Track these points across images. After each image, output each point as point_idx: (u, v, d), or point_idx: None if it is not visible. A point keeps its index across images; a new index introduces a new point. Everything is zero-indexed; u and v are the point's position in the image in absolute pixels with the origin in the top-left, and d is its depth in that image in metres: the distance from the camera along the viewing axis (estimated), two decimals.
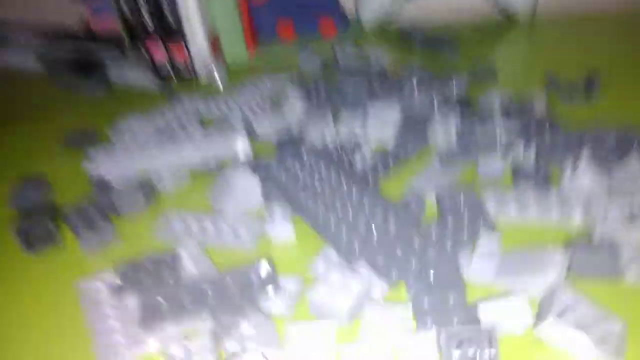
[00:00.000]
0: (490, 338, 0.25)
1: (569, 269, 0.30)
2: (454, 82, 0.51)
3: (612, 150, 0.39)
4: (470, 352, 0.25)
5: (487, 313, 0.27)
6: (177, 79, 0.67)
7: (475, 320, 0.27)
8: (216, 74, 0.65)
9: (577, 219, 0.34)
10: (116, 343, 0.29)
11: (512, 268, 0.30)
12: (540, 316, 0.27)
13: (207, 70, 0.66)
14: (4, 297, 0.35)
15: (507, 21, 0.74)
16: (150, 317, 0.30)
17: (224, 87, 0.63)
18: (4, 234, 0.40)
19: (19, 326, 0.32)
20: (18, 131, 0.59)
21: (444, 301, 0.27)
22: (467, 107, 0.48)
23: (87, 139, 0.53)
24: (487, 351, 0.25)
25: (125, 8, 0.64)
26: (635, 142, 0.39)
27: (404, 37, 0.70)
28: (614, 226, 0.32)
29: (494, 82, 0.55)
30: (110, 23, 0.73)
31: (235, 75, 0.65)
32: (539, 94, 0.49)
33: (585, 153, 0.38)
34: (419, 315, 0.27)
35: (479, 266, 0.30)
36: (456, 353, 0.25)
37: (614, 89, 0.50)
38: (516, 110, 0.46)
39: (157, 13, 0.64)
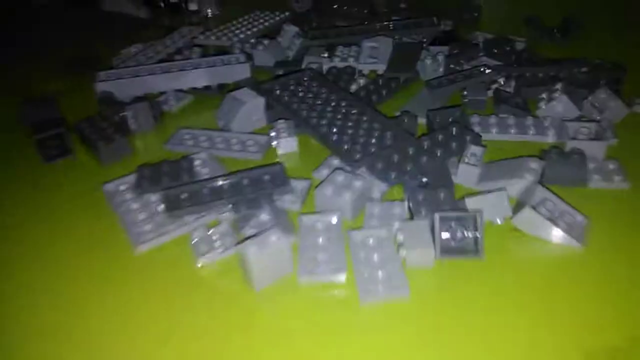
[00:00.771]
0: (475, 222, 0.29)
1: (542, 175, 0.34)
2: (442, 21, 0.54)
3: (583, 83, 0.43)
4: (459, 233, 0.29)
5: (473, 205, 0.31)
6: (172, 9, 0.68)
7: (463, 210, 0.31)
8: (209, 4, 0.66)
9: (550, 138, 0.39)
10: (146, 231, 0.33)
11: (494, 174, 0.34)
12: (517, 209, 0.31)
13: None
14: (30, 206, 0.37)
15: None
16: (173, 207, 0.33)
17: (215, 18, 0.65)
18: (22, 149, 0.43)
19: (50, 231, 0.35)
20: (19, 56, 0.60)
21: (435, 196, 0.32)
22: (454, 42, 0.51)
23: (88, 63, 0.55)
24: (472, 233, 0.29)
25: None
26: (603, 76, 0.43)
27: None
28: (582, 143, 0.37)
29: (479, 21, 0.59)
30: None
31: (228, 7, 0.67)
32: (521, 34, 0.53)
33: (560, 85, 0.42)
34: (415, 207, 0.31)
35: (465, 172, 0.34)
36: (445, 235, 0.29)
37: (588, 30, 0.54)
38: (499, 46, 0.50)
39: None
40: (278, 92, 0.43)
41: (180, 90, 0.47)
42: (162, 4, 0.67)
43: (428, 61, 0.48)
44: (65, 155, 0.41)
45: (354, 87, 0.46)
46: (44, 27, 0.66)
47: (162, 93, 0.47)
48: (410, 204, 0.32)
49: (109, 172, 0.39)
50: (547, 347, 0.25)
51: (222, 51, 0.53)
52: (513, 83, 0.45)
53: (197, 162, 0.38)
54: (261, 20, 0.59)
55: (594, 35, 0.54)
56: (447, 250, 0.30)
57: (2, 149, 0.44)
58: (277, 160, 0.39)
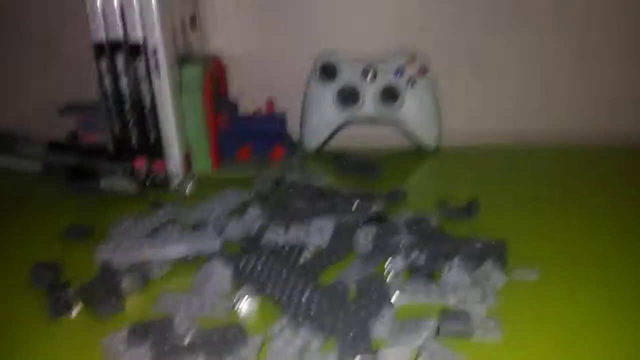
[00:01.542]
0: None
1: (438, 330, 0.46)
2: (374, 202, 0.69)
3: (476, 256, 0.57)
4: None
5: (384, 356, 0.43)
6: (155, 187, 0.82)
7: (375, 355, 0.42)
8: (187, 184, 0.81)
9: (448, 301, 0.51)
10: None
11: (402, 329, 0.46)
12: (417, 357, 0.43)
13: (179, 180, 0.82)
14: (39, 353, 0.47)
15: (418, 151, 0.96)
16: (159, 358, 0.43)
17: (191, 195, 0.79)
18: (26, 307, 0.53)
19: None
20: (20, 224, 0.72)
21: (356, 349, 0.43)
22: (382, 221, 0.65)
23: (82, 232, 0.67)
24: None
25: (115, 127, 0.81)
26: (492, 250, 0.57)
27: (337, 161, 0.89)
28: (468, 304, 0.49)
29: (403, 202, 0.74)
30: (97, 137, 0.89)
31: (201, 186, 0.81)
32: (433, 214, 0.68)
33: (457, 259, 0.56)
34: (341, 355, 0.43)
35: (380, 328, 0.46)
36: None
37: (488, 211, 0.69)
38: (416, 224, 0.64)
39: (143, 134, 0.81)
40: (242, 264, 0.55)
41: (163, 258, 0.59)
42: (148, 183, 0.81)
43: (361, 237, 0.61)
44: (70, 312, 0.51)
45: (302, 259, 0.59)
46: (44, 197, 0.79)
47: (148, 262, 0.59)
48: (339, 353, 0.43)
49: (105, 327, 0.49)
50: None
51: (198, 225, 0.66)
52: (424, 255, 0.58)
53: (176, 321, 0.48)
54: (230, 200, 0.73)
55: (491, 213, 0.69)
56: None
57: (15, 306, 0.54)
58: (241, 319, 0.50)
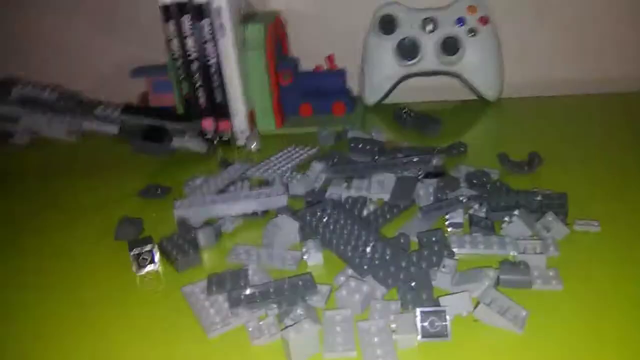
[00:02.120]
0: (445, 315, 0.43)
1: (498, 280, 0.48)
2: (435, 157, 0.70)
3: (537, 209, 0.57)
4: (435, 322, 0.43)
5: (445, 302, 0.45)
6: (222, 146, 0.86)
7: (438, 306, 0.44)
8: (252, 142, 0.84)
9: (510, 252, 0.53)
10: (214, 322, 0.47)
11: (462, 279, 0.48)
12: (477, 305, 0.45)
13: (245, 138, 0.85)
14: (125, 303, 0.52)
15: (479, 103, 0.95)
16: (234, 305, 0.47)
17: (257, 152, 0.83)
18: (115, 258, 0.59)
19: (140, 324, 0.49)
20: (102, 184, 0.78)
21: (420, 296, 0.45)
22: (443, 175, 0.66)
23: (157, 191, 0.72)
24: (444, 322, 0.43)
25: (184, 89, 0.84)
26: (553, 203, 0.58)
27: (396, 117, 0.89)
28: (528, 256, 0.50)
29: (464, 155, 0.75)
30: (167, 99, 0.93)
31: (266, 143, 0.85)
32: (494, 167, 0.68)
33: (517, 211, 0.56)
34: (405, 304, 0.45)
35: (442, 278, 0.48)
36: (425, 324, 0.43)
37: (549, 164, 0.69)
38: (476, 178, 0.65)
39: (210, 94, 0.84)
40: (308, 218, 0.58)
41: (234, 215, 0.63)
42: (216, 143, 0.85)
43: (421, 192, 0.63)
44: (152, 265, 0.56)
45: (365, 212, 0.61)
46: (122, 155, 0.84)
47: (221, 217, 0.63)
48: (402, 302, 0.46)
49: (183, 278, 0.54)
50: None
51: (265, 182, 0.70)
52: (485, 208, 0.60)
53: (250, 272, 0.52)
54: (294, 156, 0.76)
55: (552, 167, 0.69)
56: (426, 334, 0.43)
57: (102, 260, 0.59)
58: (308, 270, 0.53)
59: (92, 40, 1.08)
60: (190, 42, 0.80)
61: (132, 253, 0.56)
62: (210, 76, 0.82)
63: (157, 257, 0.57)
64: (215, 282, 0.51)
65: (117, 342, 0.47)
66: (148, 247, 0.56)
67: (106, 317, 0.50)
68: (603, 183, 0.66)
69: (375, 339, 0.43)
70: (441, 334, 0.43)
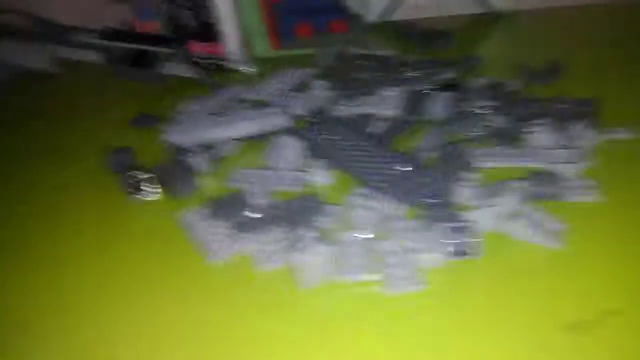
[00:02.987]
0: (472, 229, 0.38)
1: (528, 192, 0.43)
2: (446, 69, 0.64)
3: (564, 117, 0.52)
4: (463, 239, 0.38)
5: (473, 217, 0.40)
6: (215, 71, 0.80)
7: (466, 222, 0.40)
8: (246, 65, 0.78)
9: (536, 163, 0.48)
10: (219, 246, 0.43)
11: (489, 192, 0.44)
12: (507, 220, 0.40)
13: (239, 61, 0.79)
14: (117, 234, 0.48)
15: (491, 16, 0.88)
16: (238, 229, 0.43)
17: (252, 76, 0.77)
18: (107, 189, 0.54)
19: (138, 254, 0.45)
20: (89, 115, 0.72)
21: (443, 213, 0.41)
22: (457, 87, 0.61)
23: (150, 119, 0.66)
24: (470, 237, 0.38)
25: (172, 12, 0.78)
26: (581, 110, 0.52)
27: (402, 31, 0.83)
28: (559, 166, 0.46)
29: (478, 68, 0.69)
30: (151, 25, 0.86)
31: (262, 66, 0.78)
32: (512, 78, 0.62)
33: (543, 120, 0.51)
34: (426, 221, 0.41)
35: (466, 192, 0.44)
36: (450, 239, 0.39)
37: (570, 73, 0.63)
38: (495, 89, 0.60)
39: (198, 16, 0.77)
40: (313, 136, 0.53)
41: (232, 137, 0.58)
42: (208, 67, 0.79)
43: (435, 105, 0.57)
44: (148, 193, 0.52)
45: (375, 130, 0.56)
46: (108, 83, 0.78)
47: (217, 141, 0.57)
48: (424, 220, 0.41)
49: (182, 205, 0.49)
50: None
51: (263, 104, 0.64)
52: (506, 119, 0.54)
53: (253, 195, 0.48)
54: (295, 77, 0.70)
55: (575, 76, 0.63)
56: (454, 253, 0.39)
57: (94, 191, 0.55)
58: (316, 191, 0.49)
59: None
60: None
61: (126, 182, 0.51)
62: None
63: (151, 184, 0.52)
64: (216, 207, 0.46)
65: (113, 275, 0.43)
66: (141, 175, 0.52)
67: (99, 249, 0.46)
68: (630, 87, 0.60)
69: (397, 260, 0.39)
70: (471, 252, 0.39)
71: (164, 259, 0.44)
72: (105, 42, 0.75)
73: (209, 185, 0.53)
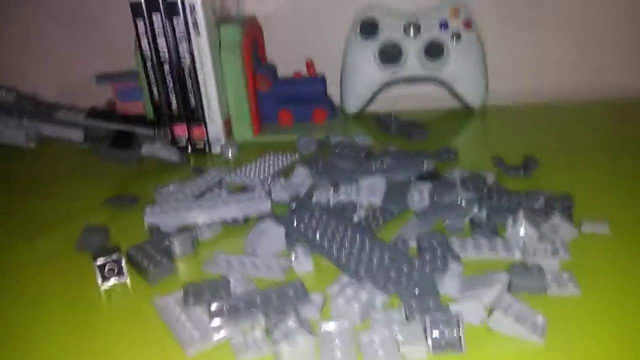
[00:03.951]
0: (458, 322, 0.38)
1: (510, 285, 0.43)
2: (425, 161, 0.66)
3: (541, 210, 0.54)
4: (445, 333, 0.38)
5: (455, 310, 0.40)
6: (196, 154, 0.80)
7: (448, 314, 0.39)
8: (228, 149, 0.79)
9: (515, 256, 0.48)
10: (192, 336, 0.41)
11: (471, 285, 0.43)
12: (490, 313, 0.40)
13: (221, 146, 0.80)
14: (90, 320, 0.46)
15: (464, 111, 0.92)
16: (215, 317, 0.41)
17: (234, 160, 0.77)
18: (78, 271, 0.52)
19: (108, 342, 0.43)
20: (65, 193, 0.71)
21: (426, 303, 0.40)
22: (436, 178, 0.62)
23: (127, 200, 0.66)
24: (456, 332, 0.38)
25: (155, 93, 0.79)
26: (557, 206, 0.54)
27: (380, 123, 0.85)
28: (538, 259, 0.46)
29: (455, 160, 0.71)
30: (134, 106, 0.87)
31: (243, 151, 0.79)
32: (489, 171, 0.64)
33: (521, 212, 0.52)
34: (409, 312, 0.40)
35: (448, 284, 0.43)
36: (435, 333, 0.38)
37: (544, 167, 0.66)
38: (472, 181, 0.61)
39: (183, 98, 0.79)
40: (295, 222, 0.53)
41: (212, 222, 0.57)
42: (189, 150, 0.79)
43: (415, 195, 0.58)
44: (120, 277, 0.50)
45: (355, 218, 0.56)
46: (87, 162, 0.78)
47: (197, 224, 0.57)
48: (406, 311, 0.41)
49: (156, 290, 0.48)
50: None
51: (244, 189, 0.64)
52: (485, 211, 0.55)
53: (232, 281, 0.47)
54: (275, 162, 0.71)
55: (548, 170, 0.65)
56: (437, 346, 0.38)
57: (64, 273, 0.53)
58: (297, 279, 0.48)
59: (57, 42, 1.01)
60: (162, 42, 0.75)
61: (96, 263, 0.49)
62: (183, 79, 0.77)
63: (125, 267, 0.50)
64: (193, 293, 0.45)
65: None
66: (115, 257, 0.50)
67: (70, 335, 0.44)
68: (602, 186, 0.62)
69: (380, 352, 0.38)
70: (454, 345, 0.38)
71: (137, 348, 0.41)
72: (87, 122, 0.75)
73: (186, 269, 0.52)
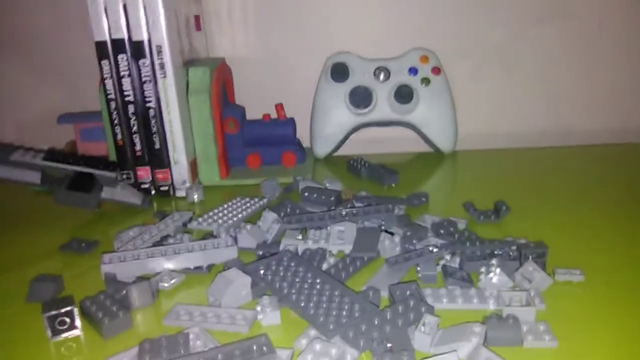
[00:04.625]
0: None
1: (485, 337, 0.41)
2: (395, 206, 0.64)
3: (514, 258, 0.52)
4: None
5: None
6: (160, 197, 0.78)
7: None
8: (194, 193, 0.76)
9: (490, 306, 0.47)
10: None
11: (445, 338, 0.41)
12: None
13: (186, 189, 0.77)
14: None
15: (434, 155, 0.91)
16: None
17: (199, 204, 0.75)
18: (25, 325, 0.48)
19: None
20: (18, 239, 0.67)
21: (399, 359, 0.38)
22: (407, 225, 0.61)
23: (83, 246, 0.62)
24: None
25: (119, 134, 0.76)
26: (529, 252, 0.53)
27: (350, 167, 0.84)
28: (516, 310, 0.44)
29: (426, 206, 0.70)
30: (97, 147, 0.85)
31: (209, 195, 0.77)
32: (460, 217, 0.63)
33: (495, 261, 0.51)
34: None
35: (420, 339, 0.41)
36: None
37: (515, 212, 0.65)
38: (444, 227, 0.60)
39: (147, 140, 0.76)
40: (262, 271, 0.51)
41: (174, 270, 0.54)
42: (152, 193, 0.76)
43: (387, 242, 0.57)
44: (72, 330, 0.46)
45: (325, 266, 0.54)
46: (43, 205, 0.74)
47: (158, 273, 0.54)
48: None
49: (110, 345, 0.44)
50: None
51: (209, 235, 0.61)
52: (458, 259, 0.54)
53: (191, 336, 0.43)
54: (242, 207, 0.68)
55: (519, 216, 0.65)
56: None
57: (11, 325, 0.49)
58: (262, 331, 0.45)
59: (16, 81, 0.98)
60: (127, 83, 0.73)
61: (45, 315, 0.46)
62: (148, 121, 0.75)
63: (77, 320, 0.47)
64: (149, 350, 0.41)
65: None
66: (67, 309, 0.46)
67: None
68: (574, 227, 0.62)
69: None
70: None
71: None
72: (45, 163, 0.71)
73: (144, 322, 0.48)
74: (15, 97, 0.99)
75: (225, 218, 0.65)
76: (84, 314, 0.48)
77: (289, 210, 0.65)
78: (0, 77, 0.98)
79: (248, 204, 0.70)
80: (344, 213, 0.61)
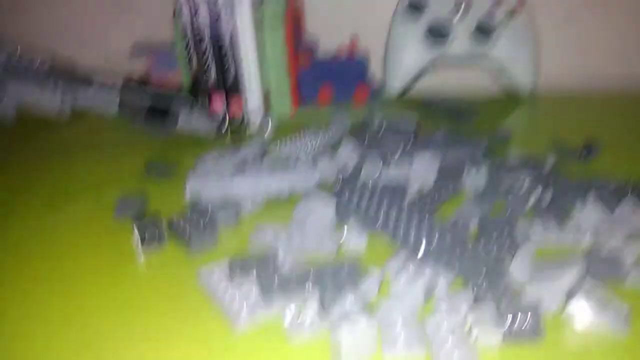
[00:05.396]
0: (535, 307, 0.34)
1: (585, 273, 0.39)
2: (477, 142, 0.62)
3: (612, 195, 0.49)
4: (522, 317, 0.34)
5: (530, 295, 0.36)
6: (233, 128, 0.77)
7: (524, 297, 0.36)
8: (266, 125, 0.75)
9: (588, 241, 0.44)
10: (241, 311, 0.38)
11: (543, 270, 0.40)
12: (569, 299, 0.36)
13: (258, 121, 0.77)
14: (131, 287, 0.43)
15: (511, 97, 0.87)
16: (266, 291, 0.39)
17: (273, 135, 0.74)
18: (115, 235, 0.49)
19: (148, 316, 0.40)
20: (98, 165, 0.69)
21: (497, 285, 0.37)
22: (491, 161, 0.58)
23: (166, 170, 0.63)
24: (533, 316, 0.34)
25: (194, 64, 0.76)
26: (629, 190, 0.50)
27: (425, 106, 0.82)
28: (617, 245, 0.42)
29: (508, 144, 0.67)
30: (171, 76, 0.85)
31: (280, 128, 0.76)
32: (547, 155, 0.60)
33: (591, 197, 0.48)
34: (479, 294, 0.37)
35: (518, 266, 0.40)
36: (511, 317, 0.34)
37: (607, 154, 0.61)
38: (531, 164, 0.57)
39: (221, 70, 0.76)
40: (346, 196, 0.50)
41: (256, 193, 0.54)
42: (226, 124, 0.76)
43: (472, 175, 0.55)
44: (160, 242, 0.47)
45: (408, 197, 0.53)
46: (123, 133, 0.76)
47: (240, 195, 0.54)
48: (476, 292, 0.37)
49: (197, 262, 0.45)
50: None
51: (289, 162, 0.61)
52: (549, 194, 0.51)
53: (280, 254, 0.43)
54: (319, 137, 0.67)
55: (609, 158, 0.61)
56: (512, 331, 0.34)
57: (102, 236, 0.50)
58: (349, 255, 0.44)
59: (97, 11, 0.99)
60: (203, 11, 0.72)
61: (135, 230, 0.47)
62: (223, 51, 0.74)
63: (165, 233, 0.48)
64: (240, 266, 0.42)
65: (121, 340, 0.38)
66: (154, 222, 0.47)
67: (106, 307, 0.41)
68: None
69: (449, 337, 0.34)
70: (532, 331, 0.34)
71: (176, 324, 0.39)
72: (122, 92, 0.72)
73: (230, 241, 0.49)
74: (93, 28, 1.00)
75: (302, 147, 0.64)
76: (171, 229, 0.49)
77: (368, 139, 0.63)
78: (80, 7, 0.99)
79: (324, 135, 0.68)
80: (428, 143, 0.59)
